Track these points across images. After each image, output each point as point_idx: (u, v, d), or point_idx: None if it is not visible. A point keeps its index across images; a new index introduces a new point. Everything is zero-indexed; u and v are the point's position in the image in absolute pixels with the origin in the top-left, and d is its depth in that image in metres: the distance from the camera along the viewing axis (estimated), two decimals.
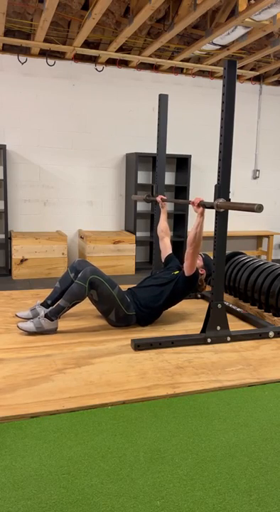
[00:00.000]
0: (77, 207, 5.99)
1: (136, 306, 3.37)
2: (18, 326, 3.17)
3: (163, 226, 4.00)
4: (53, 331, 3.21)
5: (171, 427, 2.10)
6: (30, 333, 3.16)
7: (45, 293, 4.26)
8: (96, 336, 3.20)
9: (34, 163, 5.70)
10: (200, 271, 3.53)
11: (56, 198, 5.87)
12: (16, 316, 3.42)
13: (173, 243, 5.24)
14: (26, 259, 5.29)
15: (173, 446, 1.96)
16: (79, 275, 3.17)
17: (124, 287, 3.48)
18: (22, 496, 1.62)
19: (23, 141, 5.61)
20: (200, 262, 3.56)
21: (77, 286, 3.13)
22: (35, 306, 3.36)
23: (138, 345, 2.95)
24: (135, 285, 3.65)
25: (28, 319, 3.32)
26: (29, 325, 3.16)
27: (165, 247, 3.93)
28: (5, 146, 5.28)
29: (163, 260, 3.94)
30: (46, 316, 3.17)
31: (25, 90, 5.54)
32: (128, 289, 3.54)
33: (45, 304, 3.36)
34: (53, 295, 3.37)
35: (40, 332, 3.16)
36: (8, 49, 5.40)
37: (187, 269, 3.39)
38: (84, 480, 1.72)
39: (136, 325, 3.45)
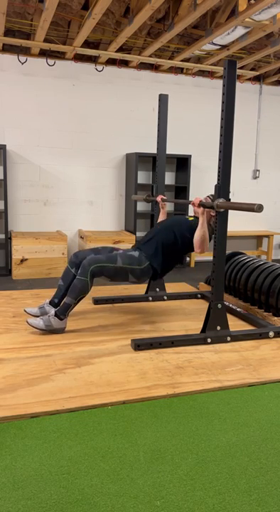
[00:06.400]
0: (77, 207, 5.99)
1: (149, 256, 3.31)
2: (27, 322, 3.17)
3: None
4: (62, 330, 3.20)
5: (171, 427, 2.10)
6: (40, 331, 3.15)
7: (45, 293, 4.29)
8: (96, 336, 3.20)
9: (34, 163, 5.70)
10: (211, 213, 3.36)
11: (56, 198, 5.87)
12: (25, 311, 3.42)
13: None
14: (26, 259, 5.29)
15: (173, 446, 1.96)
16: (80, 270, 3.15)
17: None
18: (22, 496, 1.62)
19: (23, 141, 5.61)
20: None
21: (79, 282, 3.12)
22: (44, 305, 3.36)
23: (138, 345, 2.95)
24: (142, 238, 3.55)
25: (36, 317, 3.32)
26: (39, 322, 3.15)
27: None
28: (5, 146, 5.28)
29: None
30: (56, 315, 3.17)
31: (25, 90, 5.54)
32: (137, 247, 3.43)
33: (52, 303, 3.35)
34: (59, 293, 3.36)
35: (49, 330, 3.16)
36: (8, 49, 5.40)
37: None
38: (84, 480, 1.72)
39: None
